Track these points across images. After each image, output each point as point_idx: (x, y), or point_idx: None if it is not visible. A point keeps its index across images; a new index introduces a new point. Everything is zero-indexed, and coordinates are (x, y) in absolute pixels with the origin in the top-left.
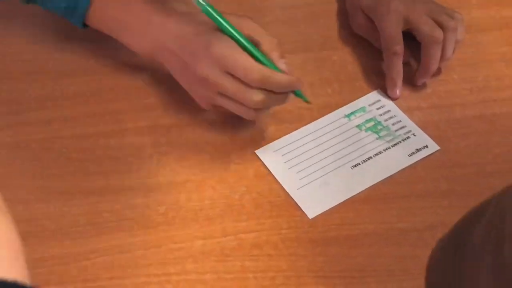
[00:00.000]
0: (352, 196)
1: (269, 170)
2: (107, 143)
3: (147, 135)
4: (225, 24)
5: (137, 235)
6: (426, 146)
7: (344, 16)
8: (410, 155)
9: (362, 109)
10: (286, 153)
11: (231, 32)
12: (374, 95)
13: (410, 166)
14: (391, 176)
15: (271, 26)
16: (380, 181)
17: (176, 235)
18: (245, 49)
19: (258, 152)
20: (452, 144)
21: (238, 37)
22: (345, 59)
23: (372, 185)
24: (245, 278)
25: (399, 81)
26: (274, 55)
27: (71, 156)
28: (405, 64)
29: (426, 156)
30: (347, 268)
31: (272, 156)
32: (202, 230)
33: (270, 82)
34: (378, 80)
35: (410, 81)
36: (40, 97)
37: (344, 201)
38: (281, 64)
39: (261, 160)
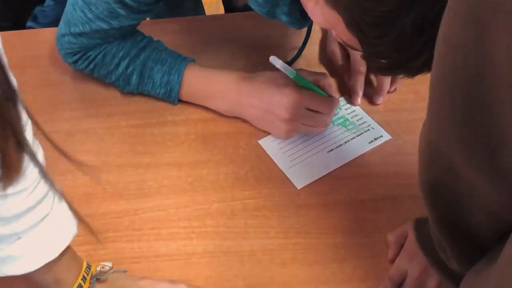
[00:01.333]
0: (328, 173)
1: (267, 154)
2: (152, 131)
3: (181, 126)
4: (303, 79)
5: (171, 198)
6: (381, 136)
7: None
8: (369, 143)
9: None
10: (280, 142)
11: (306, 83)
12: (342, 100)
13: (369, 153)
14: (355, 159)
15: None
16: (348, 162)
17: (199, 199)
18: (313, 89)
19: (260, 141)
20: (400, 138)
21: (309, 84)
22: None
23: (342, 165)
24: (247, 231)
25: (361, 93)
26: (326, 86)
27: (126, 140)
28: (367, 80)
29: (381, 145)
30: (322, 227)
31: (270, 144)
32: (217, 196)
33: (334, 108)
34: (345, 90)
35: (371, 93)
36: (106, 97)
37: (322, 176)
38: (331, 92)
39: (262, 147)
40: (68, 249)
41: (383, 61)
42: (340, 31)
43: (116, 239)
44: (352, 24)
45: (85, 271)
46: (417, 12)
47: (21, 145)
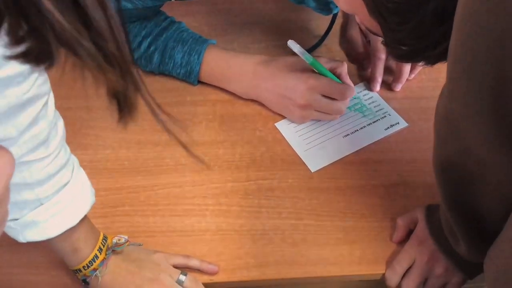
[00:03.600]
0: (342, 158)
1: (283, 136)
2: (171, 110)
3: (200, 106)
4: (320, 66)
5: (187, 176)
6: (398, 123)
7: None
8: (386, 129)
9: (354, 97)
10: (296, 126)
11: (322, 69)
12: (361, 86)
13: (385, 139)
14: (370, 145)
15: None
16: (362, 147)
17: (214, 178)
18: (329, 77)
19: (277, 124)
20: (417, 125)
21: (325, 71)
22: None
23: (357, 151)
24: (260, 211)
25: (380, 79)
26: (344, 74)
27: (145, 118)
28: (387, 67)
29: (397, 131)
30: (333, 210)
31: (286, 127)
32: (232, 176)
33: (349, 96)
34: (363, 76)
35: (390, 79)
36: (145, 75)
37: (336, 160)
38: (347, 80)
39: (278, 130)
40: (86, 219)
41: (403, 48)
42: (363, 17)
43: (132, 213)
44: (375, 10)
45: (101, 243)
46: (437, 1)
47: (137, 86)
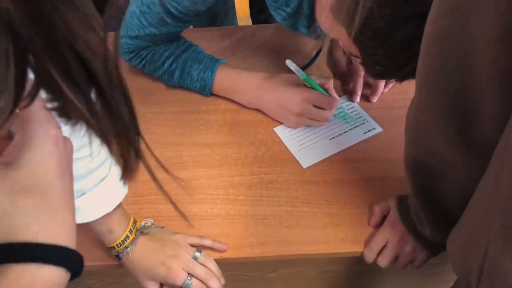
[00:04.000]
0: (329, 156)
1: (281, 139)
2: (189, 117)
3: (212, 114)
4: (311, 81)
5: (202, 171)
6: (374, 128)
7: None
8: (364, 133)
9: (338, 107)
10: (291, 130)
11: (313, 84)
12: (344, 98)
13: (364, 142)
14: (352, 146)
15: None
16: (345, 148)
17: (224, 172)
18: (318, 90)
19: (275, 129)
20: (390, 130)
21: (316, 86)
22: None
23: (341, 151)
24: (261, 200)
25: (359, 92)
26: (331, 89)
27: (168, 123)
28: (365, 83)
29: (374, 135)
30: (321, 199)
31: (283, 131)
32: (239, 171)
33: (334, 106)
34: (346, 90)
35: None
36: (154, 89)
37: (324, 158)
38: (333, 93)
39: (276, 133)
40: (120, 206)
41: (378, 67)
42: (345, 41)
43: (157, 201)
44: (355, 36)
45: (132, 225)
46: (405, 31)
47: (138, 154)
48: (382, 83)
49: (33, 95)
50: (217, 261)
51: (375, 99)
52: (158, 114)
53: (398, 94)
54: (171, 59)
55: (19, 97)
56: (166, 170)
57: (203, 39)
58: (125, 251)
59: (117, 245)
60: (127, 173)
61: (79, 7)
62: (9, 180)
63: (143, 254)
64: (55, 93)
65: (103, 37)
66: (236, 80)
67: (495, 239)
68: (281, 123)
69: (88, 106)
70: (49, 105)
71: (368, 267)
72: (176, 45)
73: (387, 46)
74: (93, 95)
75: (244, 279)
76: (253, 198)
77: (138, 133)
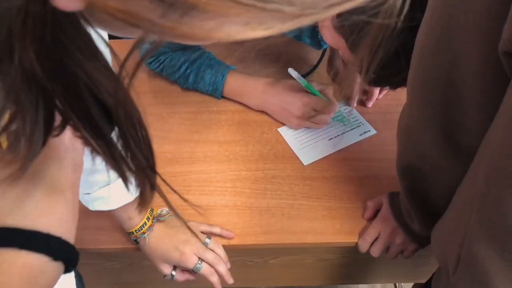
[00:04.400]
0: (327, 155)
1: (284, 138)
2: (201, 117)
3: (223, 114)
4: (312, 88)
5: (213, 165)
6: (369, 131)
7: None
8: (360, 135)
9: (337, 111)
10: (294, 131)
11: (314, 91)
12: (341, 103)
13: (359, 142)
14: (348, 146)
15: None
16: (343, 148)
17: (232, 167)
18: (318, 96)
19: (279, 129)
20: (383, 133)
21: (316, 92)
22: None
23: (339, 150)
24: (265, 193)
25: (356, 97)
26: (330, 95)
27: (182, 122)
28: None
29: (369, 137)
30: (320, 194)
31: (286, 131)
32: (246, 166)
33: (333, 111)
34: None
35: (364, 98)
36: (170, 90)
37: (323, 157)
38: (332, 99)
39: (280, 133)
40: None
41: (372, 75)
42: (344, 51)
43: (171, 192)
44: (352, 46)
45: (149, 213)
46: (398, 42)
47: (154, 187)
48: (377, 90)
49: (59, 132)
50: (225, 247)
51: (370, 104)
52: (174, 113)
53: (391, 100)
54: (186, 64)
55: (47, 135)
56: (181, 197)
57: (215, 47)
58: (143, 236)
59: (135, 230)
60: (143, 203)
61: (99, 58)
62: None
63: (158, 239)
64: (81, 135)
65: (121, 83)
66: (244, 84)
67: (471, 231)
68: (285, 124)
69: (107, 148)
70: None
71: (361, 256)
72: (191, 51)
73: (381, 56)
74: (114, 134)
75: (249, 265)
76: (258, 191)
77: (154, 171)
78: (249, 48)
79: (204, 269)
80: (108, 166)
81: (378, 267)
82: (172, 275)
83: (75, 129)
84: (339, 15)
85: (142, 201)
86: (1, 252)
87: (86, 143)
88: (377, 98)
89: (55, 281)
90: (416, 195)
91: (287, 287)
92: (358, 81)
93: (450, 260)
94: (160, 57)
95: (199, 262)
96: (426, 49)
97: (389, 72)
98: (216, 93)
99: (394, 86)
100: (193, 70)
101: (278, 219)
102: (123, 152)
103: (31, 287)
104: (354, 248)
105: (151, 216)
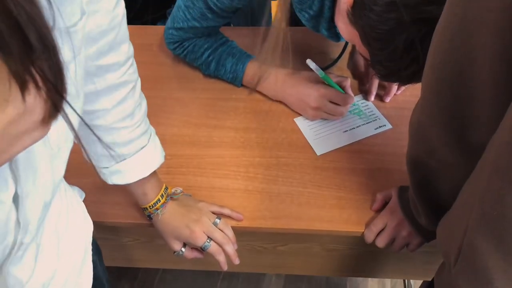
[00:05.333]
0: (341, 147)
1: (299, 128)
2: (220, 103)
3: (241, 102)
4: (329, 79)
5: (228, 150)
6: (385, 125)
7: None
8: (375, 129)
9: (354, 103)
10: (309, 121)
11: (331, 82)
12: (359, 96)
13: (374, 136)
14: (363, 139)
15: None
16: (356, 140)
17: (246, 153)
18: (335, 87)
19: (295, 119)
20: (399, 128)
21: (333, 84)
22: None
23: (352, 142)
24: (277, 180)
25: (374, 92)
26: (347, 87)
27: (202, 107)
28: (380, 84)
29: (384, 131)
30: (330, 184)
31: (302, 122)
32: (260, 153)
33: (349, 103)
34: (362, 89)
35: (382, 93)
36: (193, 77)
37: (336, 148)
38: (349, 91)
39: (296, 123)
40: (155, 173)
41: (382, 69)
42: (358, 44)
43: (186, 173)
44: (364, 38)
45: (163, 191)
46: (408, 34)
47: (58, 109)
48: (395, 85)
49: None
50: (234, 229)
51: (388, 99)
52: (195, 99)
53: (409, 97)
54: (209, 51)
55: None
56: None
57: (239, 37)
58: (156, 212)
59: (149, 206)
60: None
61: None
62: None
63: (171, 217)
64: None
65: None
66: (263, 74)
67: (472, 224)
68: (301, 115)
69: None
70: None
71: (369, 249)
72: (214, 39)
73: (390, 49)
74: None
75: (258, 250)
76: (269, 177)
77: (58, 91)
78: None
79: (212, 247)
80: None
81: (386, 262)
82: (181, 251)
83: None
84: (353, 9)
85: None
86: None
87: None
88: (395, 94)
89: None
90: (424, 190)
91: (295, 276)
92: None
93: (452, 252)
94: (185, 43)
95: (208, 240)
96: (442, 44)
97: (398, 66)
98: (236, 81)
99: (403, 80)
100: (215, 58)
101: (288, 205)
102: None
103: None
104: (361, 240)
105: (165, 194)
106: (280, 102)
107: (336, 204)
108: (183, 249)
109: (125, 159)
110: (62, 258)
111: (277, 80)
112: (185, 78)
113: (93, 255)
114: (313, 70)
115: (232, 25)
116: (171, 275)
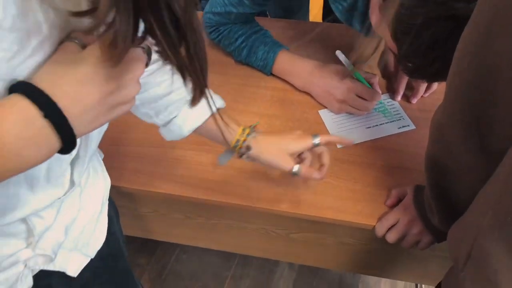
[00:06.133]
0: (362, 142)
1: (323, 121)
2: (249, 90)
3: (269, 90)
4: (358, 74)
5: None
6: (408, 125)
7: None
8: (398, 128)
9: (380, 101)
10: (334, 115)
11: (359, 77)
12: (386, 95)
13: (396, 135)
14: (385, 137)
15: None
16: (378, 137)
17: None
18: (363, 82)
19: (320, 111)
20: (422, 129)
21: (361, 78)
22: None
23: (374, 139)
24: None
25: (402, 92)
26: (375, 84)
27: (231, 92)
28: (409, 85)
29: (407, 131)
30: (348, 176)
31: (327, 114)
32: None
33: (376, 99)
34: (390, 88)
35: (409, 94)
36: (225, 62)
37: (358, 143)
38: (377, 88)
39: (320, 115)
40: (226, 111)
41: (409, 64)
42: (388, 38)
43: (210, 151)
44: (393, 31)
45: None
46: (434, 30)
47: (203, 91)
48: (423, 87)
49: (143, 38)
50: (246, 208)
51: (414, 101)
52: (225, 83)
53: (436, 100)
54: (242, 37)
55: (134, 36)
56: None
57: (273, 27)
58: (253, 134)
59: (240, 132)
60: (193, 102)
61: None
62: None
63: (269, 136)
64: (154, 38)
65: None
66: (293, 65)
67: (485, 229)
68: (326, 107)
69: (174, 49)
70: (155, 48)
71: (381, 247)
72: (249, 26)
73: (417, 43)
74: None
75: (271, 235)
76: None
77: (204, 76)
78: (305, 32)
79: (303, 171)
80: (173, 67)
81: (399, 262)
82: (297, 169)
83: (153, 37)
84: (385, 2)
85: (193, 102)
86: (11, 96)
87: (160, 54)
88: (422, 96)
89: (43, 145)
90: (440, 191)
91: (308, 271)
92: (406, 77)
93: (461, 256)
94: (220, 28)
95: (297, 166)
96: (469, 47)
97: (423, 62)
98: (266, 69)
99: (428, 78)
100: (248, 44)
101: (303, 192)
102: (185, 60)
103: (24, 128)
104: (374, 236)
105: (244, 127)
106: (307, 93)
107: (351, 196)
108: (297, 166)
109: (186, 101)
110: (82, 208)
111: (306, 71)
112: (217, 64)
113: (110, 212)
114: (342, 64)
115: (269, 16)
116: (187, 255)
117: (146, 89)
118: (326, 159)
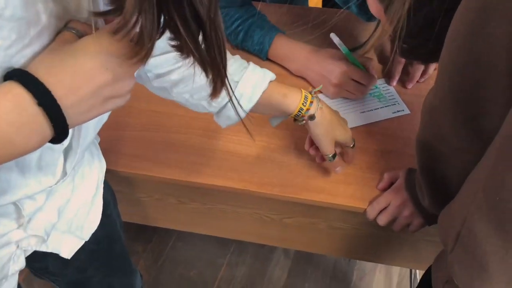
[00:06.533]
0: (357, 126)
1: None
2: None
3: None
4: (352, 57)
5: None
6: (403, 110)
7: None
8: (393, 113)
9: (375, 86)
10: (329, 99)
11: (353, 60)
12: (382, 80)
13: (391, 120)
14: (380, 121)
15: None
16: (373, 122)
17: (264, 124)
18: (358, 66)
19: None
20: (416, 114)
21: (356, 61)
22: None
23: (368, 123)
24: (289, 151)
25: (397, 77)
26: (370, 67)
27: None
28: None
29: (401, 116)
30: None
31: (322, 99)
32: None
33: (371, 82)
34: (386, 73)
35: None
36: (232, 50)
37: (352, 127)
38: (372, 72)
39: None
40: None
41: (404, 45)
42: (383, 19)
43: (203, 135)
44: (386, 12)
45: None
46: (428, 10)
47: (223, 82)
48: (418, 72)
49: (162, 32)
50: (241, 192)
51: (410, 86)
52: None
53: (431, 85)
54: (239, 21)
55: (156, 31)
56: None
57: (271, 12)
58: (319, 106)
59: (302, 103)
60: (214, 94)
61: None
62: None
63: (330, 114)
64: (176, 34)
65: None
66: (289, 49)
67: (474, 210)
68: (321, 92)
69: (196, 44)
70: (172, 43)
71: (374, 231)
72: (246, 10)
73: (411, 24)
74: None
75: (265, 220)
76: (283, 148)
77: (225, 68)
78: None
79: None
80: (194, 60)
81: (392, 247)
82: (332, 156)
83: (174, 32)
84: None
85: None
86: (5, 83)
87: (178, 48)
88: (418, 81)
89: (35, 133)
90: (431, 173)
91: (303, 258)
92: (402, 62)
93: (450, 238)
94: None
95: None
96: (460, 29)
97: (417, 43)
98: (262, 53)
99: (423, 59)
100: (244, 28)
101: (296, 176)
102: (205, 53)
103: (17, 115)
104: (365, 220)
105: (304, 92)
106: (303, 78)
107: (344, 179)
108: (335, 155)
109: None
110: (76, 190)
111: (302, 55)
112: None
113: (107, 196)
114: (337, 48)
115: (267, 1)
116: (183, 243)
117: (187, 83)
118: (349, 159)
